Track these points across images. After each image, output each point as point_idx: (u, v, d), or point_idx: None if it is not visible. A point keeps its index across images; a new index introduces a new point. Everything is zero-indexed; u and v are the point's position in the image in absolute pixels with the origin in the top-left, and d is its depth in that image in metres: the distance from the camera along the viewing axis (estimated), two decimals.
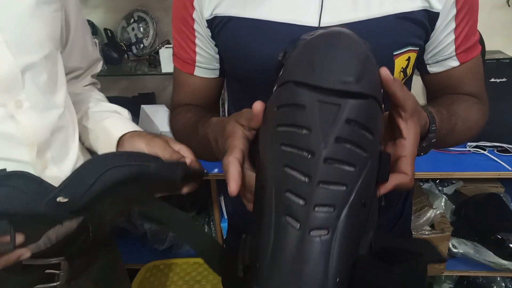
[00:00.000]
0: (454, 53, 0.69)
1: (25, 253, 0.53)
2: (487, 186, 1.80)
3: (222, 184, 1.62)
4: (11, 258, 0.51)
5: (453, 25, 0.67)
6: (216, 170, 1.61)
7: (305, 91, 0.39)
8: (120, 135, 0.69)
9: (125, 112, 0.80)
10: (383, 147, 0.46)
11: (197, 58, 0.74)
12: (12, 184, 0.47)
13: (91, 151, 0.80)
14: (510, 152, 1.58)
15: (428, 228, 1.66)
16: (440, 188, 1.82)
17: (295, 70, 0.41)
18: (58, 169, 0.69)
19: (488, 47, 1.60)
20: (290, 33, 0.62)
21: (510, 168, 1.50)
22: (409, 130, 0.46)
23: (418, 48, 0.66)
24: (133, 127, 0.72)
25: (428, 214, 1.65)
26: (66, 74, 0.76)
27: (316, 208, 0.36)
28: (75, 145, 0.74)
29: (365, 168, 0.38)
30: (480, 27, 0.71)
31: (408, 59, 0.66)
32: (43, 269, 0.70)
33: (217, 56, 0.74)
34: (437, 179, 1.83)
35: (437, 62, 0.71)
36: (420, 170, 1.47)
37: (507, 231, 1.61)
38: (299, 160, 0.38)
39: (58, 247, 0.72)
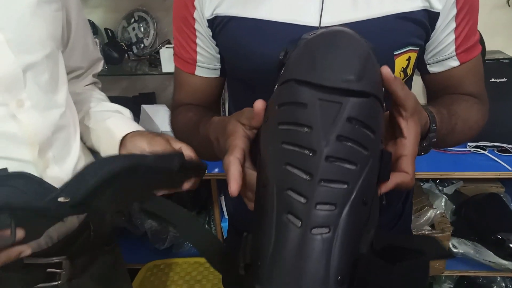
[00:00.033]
0: (454, 53, 0.70)
1: (25, 250, 0.52)
2: (487, 186, 1.80)
3: (223, 183, 1.62)
4: (11, 254, 0.51)
5: (453, 25, 0.67)
6: (216, 169, 1.61)
7: (306, 89, 0.39)
8: (122, 135, 0.69)
9: (126, 112, 0.80)
10: (384, 146, 0.46)
11: (198, 57, 0.74)
12: (12, 184, 0.47)
13: (92, 151, 0.80)
14: (510, 152, 1.58)
15: (428, 228, 1.66)
16: (440, 188, 1.82)
17: (296, 68, 0.41)
18: (59, 168, 0.70)
19: (488, 47, 1.60)
20: (291, 33, 0.62)
21: (510, 168, 1.50)
22: (410, 129, 0.46)
23: (418, 48, 0.67)
24: (135, 127, 0.72)
25: (428, 214, 1.65)
26: (67, 73, 0.76)
27: (318, 206, 0.37)
28: (76, 145, 0.74)
29: (367, 166, 0.38)
30: (480, 27, 0.72)
31: (409, 59, 0.66)
32: (45, 268, 0.70)
33: (218, 55, 0.74)
34: (437, 179, 1.83)
35: (437, 62, 0.71)
36: (420, 170, 1.47)
37: (507, 231, 1.61)
38: (300, 158, 0.38)
39: (59, 246, 0.72)
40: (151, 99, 1.97)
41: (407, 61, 0.66)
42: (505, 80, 1.57)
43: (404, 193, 0.84)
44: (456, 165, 1.55)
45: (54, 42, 0.69)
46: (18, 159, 0.64)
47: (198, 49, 0.73)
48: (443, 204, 1.74)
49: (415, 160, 0.46)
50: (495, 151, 1.60)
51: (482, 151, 1.60)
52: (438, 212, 1.67)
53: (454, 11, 0.65)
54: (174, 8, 0.74)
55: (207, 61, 0.75)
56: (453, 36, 0.68)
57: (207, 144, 0.60)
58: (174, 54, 0.78)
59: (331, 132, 0.37)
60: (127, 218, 1.85)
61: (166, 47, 1.72)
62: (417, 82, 0.77)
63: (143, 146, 0.65)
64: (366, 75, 0.39)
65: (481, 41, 0.74)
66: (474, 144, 1.60)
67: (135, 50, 1.92)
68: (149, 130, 0.72)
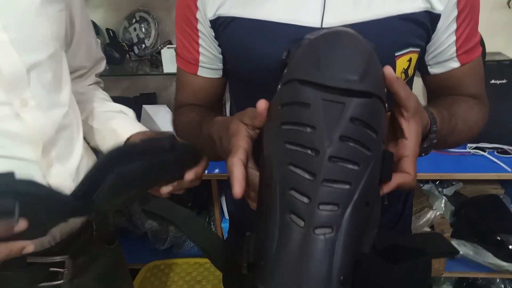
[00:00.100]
0: (455, 54, 0.70)
1: (28, 245, 0.50)
2: (487, 188, 1.80)
3: (223, 184, 1.63)
4: (13, 248, 0.49)
5: (454, 26, 0.67)
6: (217, 170, 1.61)
7: (309, 89, 0.39)
8: (127, 136, 0.70)
9: (130, 112, 0.80)
10: (385, 146, 0.46)
11: (201, 58, 0.74)
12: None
13: (96, 151, 0.81)
14: (509, 154, 1.58)
15: (428, 229, 1.66)
16: (440, 189, 1.82)
17: (299, 68, 0.41)
18: (62, 167, 0.70)
19: (488, 49, 1.60)
20: (293, 33, 0.62)
21: (509, 170, 1.50)
22: (411, 130, 0.46)
23: (419, 49, 0.67)
24: (139, 127, 0.72)
25: (428, 215, 1.66)
26: (71, 73, 0.77)
27: (321, 206, 0.37)
28: (79, 144, 0.74)
29: (369, 166, 0.39)
30: (481, 28, 0.72)
31: (410, 60, 0.66)
32: (47, 267, 0.70)
33: (220, 56, 0.74)
34: (437, 180, 1.83)
35: (438, 63, 0.71)
36: (420, 171, 1.47)
37: (507, 232, 1.61)
38: (303, 158, 0.38)
39: (61, 246, 0.72)
40: (152, 99, 1.97)
41: (408, 62, 0.67)
42: (505, 81, 1.57)
43: (404, 193, 0.84)
44: (456, 166, 1.55)
45: (58, 41, 0.69)
46: (22, 158, 0.65)
47: (200, 49, 0.74)
48: (442, 205, 1.74)
49: (416, 160, 0.47)
50: (495, 153, 1.60)
51: (482, 153, 1.60)
52: (437, 213, 1.67)
53: (455, 13, 0.66)
54: (177, 9, 0.74)
55: (209, 62, 0.75)
56: (454, 38, 0.68)
57: (210, 144, 0.60)
58: (177, 54, 0.78)
59: (334, 132, 0.38)
60: (127, 218, 1.86)
61: (167, 48, 1.72)
62: (417, 83, 0.77)
63: None
64: (368, 76, 0.39)
65: (481, 42, 0.74)
66: (474, 145, 1.61)
67: (136, 51, 1.92)
68: (151, 130, 0.73)
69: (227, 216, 1.76)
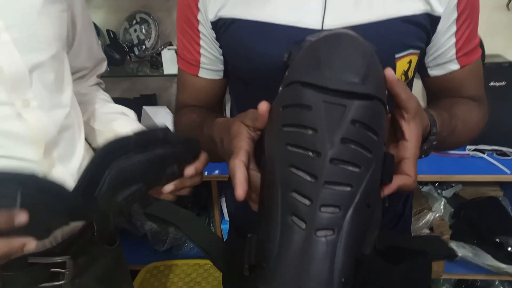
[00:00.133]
0: (454, 56, 0.70)
1: (30, 242, 0.47)
2: (486, 190, 1.80)
3: (223, 185, 1.63)
4: (14, 244, 0.46)
5: (454, 28, 0.67)
6: (216, 171, 1.61)
7: (311, 91, 0.39)
8: None
9: (131, 114, 0.81)
10: (386, 148, 0.46)
11: (202, 59, 0.75)
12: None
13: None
14: (509, 156, 1.59)
15: (427, 231, 1.67)
16: (439, 191, 1.82)
17: (301, 70, 0.41)
18: (64, 168, 0.70)
19: (487, 51, 1.60)
20: (293, 35, 0.62)
21: (509, 172, 1.51)
22: (412, 132, 0.46)
23: (419, 51, 0.67)
24: (141, 129, 0.72)
25: (427, 217, 1.66)
26: (72, 73, 0.77)
27: (322, 208, 0.37)
28: (81, 144, 0.75)
29: (370, 169, 0.39)
30: (480, 30, 0.72)
31: (410, 62, 0.67)
32: (48, 267, 0.70)
33: (221, 57, 0.74)
34: (436, 182, 1.83)
35: (437, 65, 0.72)
36: (420, 173, 1.46)
37: (506, 234, 1.61)
38: (305, 160, 0.38)
39: (63, 246, 0.72)
40: (152, 100, 1.97)
41: (408, 64, 0.67)
42: (504, 83, 1.57)
43: (404, 194, 0.84)
44: (455, 168, 1.56)
45: (59, 42, 0.70)
46: (23, 158, 0.65)
47: (201, 50, 0.74)
48: (442, 207, 1.75)
49: (416, 162, 0.47)
50: (494, 155, 1.61)
51: (481, 155, 1.60)
52: (437, 215, 1.67)
53: (455, 15, 0.66)
54: (178, 10, 0.75)
55: (210, 63, 0.75)
56: (453, 40, 0.68)
57: (211, 145, 0.60)
58: (178, 55, 0.79)
59: (336, 135, 0.38)
60: (127, 219, 1.86)
61: (168, 49, 1.72)
62: (417, 85, 0.77)
63: None
64: (370, 78, 0.39)
65: (481, 45, 0.74)
66: (473, 147, 1.61)
67: (136, 52, 1.92)
68: None
69: (226, 218, 1.76)
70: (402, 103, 0.45)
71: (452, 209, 1.80)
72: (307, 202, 0.37)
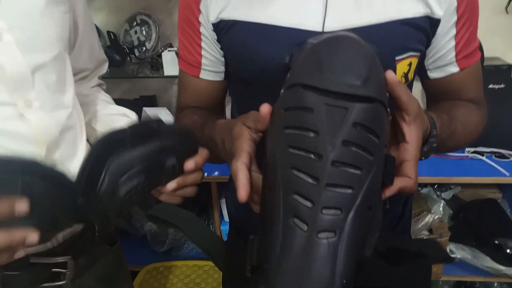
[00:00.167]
0: (454, 59, 0.70)
1: (31, 235, 0.44)
2: (485, 192, 1.81)
3: (222, 186, 1.63)
4: (15, 236, 0.43)
5: (454, 31, 0.68)
6: (216, 172, 1.61)
7: (312, 94, 0.40)
8: None
9: (133, 115, 0.81)
10: (387, 150, 0.46)
11: (203, 61, 0.75)
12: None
13: None
14: (507, 158, 1.59)
15: (426, 232, 1.67)
16: (438, 193, 1.83)
17: (302, 73, 0.42)
18: (66, 168, 0.70)
19: (486, 54, 1.61)
20: (294, 37, 0.63)
21: (507, 174, 1.51)
22: (412, 134, 0.47)
23: (419, 54, 0.67)
24: None
25: (426, 219, 1.66)
26: (74, 74, 0.77)
27: (324, 211, 0.37)
28: (82, 145, 0.75)
29: (371, 171, 0.39)
30: (479, 33, 0.72)
31: (410, 64, 0.67)
32: (50, 267, 0.70)
33: (223, 59, 0.75)
34: (435, 184, 1.84)
35: (437, 67, 0.72)
36: (419, 175, 1.46)
37: (505, 236, 1.61)
38: (306, 162, 0.38)
39: (64, 246, 0.72)
40: (152, 101, 1.98)
41: (408, 66, 0.67)
42: (503, 86, 1.58)
43: (404, 196, 0.85)
44: (454, 170, 1.56)
45: (62, 43, 0.70)
46: None
47: (203, 52, 0.74)
48: (441, 209, 1.75)
49: (417, 164, 0.47)
50: (493, 157, 1.61)
51: (480, 157, 1.61)
52: (436, 217, 1.68)
53: (455, 18, 0.66)
54: (179, 12, 0.75)
55: (212, 64, 0.75)
56: (453, 43, 0.69)
57: (212, 147, 0.60)
58: (179, 57, 0.79)
59: (337, 137, 0.38)
60: (127, 220, 1.85)
61: (168, 50, 1.73)
62: (417, 87, 0.78)
63: None
64: (371, 80, 0.39)
65: (480, 47, 0.75)
66: (472, 149, 1.62)
67: (137, 53, 1.93)
68: None
69: (226, 219, 1.76)
70: (403, 105, 0.45)
71: (451, 211, 1.81)
72: (308, 204, 0.38)
